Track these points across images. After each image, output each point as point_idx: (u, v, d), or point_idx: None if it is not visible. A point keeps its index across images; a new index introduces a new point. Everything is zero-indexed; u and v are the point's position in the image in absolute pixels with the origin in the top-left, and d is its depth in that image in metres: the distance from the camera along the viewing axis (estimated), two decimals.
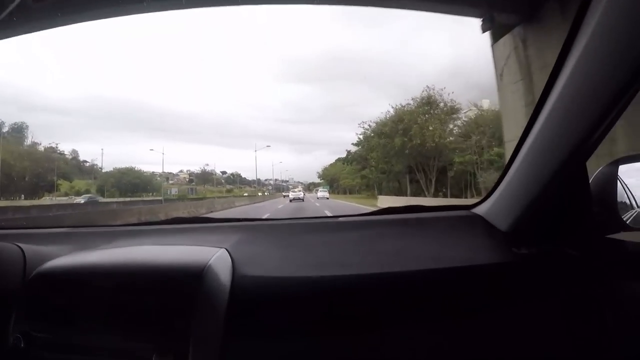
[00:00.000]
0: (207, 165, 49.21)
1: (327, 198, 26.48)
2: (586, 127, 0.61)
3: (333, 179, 49.60)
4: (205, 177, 48.32)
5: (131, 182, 37.04)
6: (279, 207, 16.75)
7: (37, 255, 0.78)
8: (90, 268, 0.72)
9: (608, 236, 0.80)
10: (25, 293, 0.69)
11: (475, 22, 4.39)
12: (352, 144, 34.58)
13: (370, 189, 35.30)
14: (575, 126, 0.62)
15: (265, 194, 50.92)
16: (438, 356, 0.68)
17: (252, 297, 0.68)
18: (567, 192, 0.75)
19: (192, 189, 51.67)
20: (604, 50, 0.55)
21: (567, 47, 0.60)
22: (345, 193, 46.04)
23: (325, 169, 53.95)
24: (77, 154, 39.19)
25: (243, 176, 55.96)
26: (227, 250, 0.77)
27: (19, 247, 0.78)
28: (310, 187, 55.27)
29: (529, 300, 0.71)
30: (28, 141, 35.88)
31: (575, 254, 0.76)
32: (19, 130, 35.97)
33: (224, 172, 51.06)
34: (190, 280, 0.65)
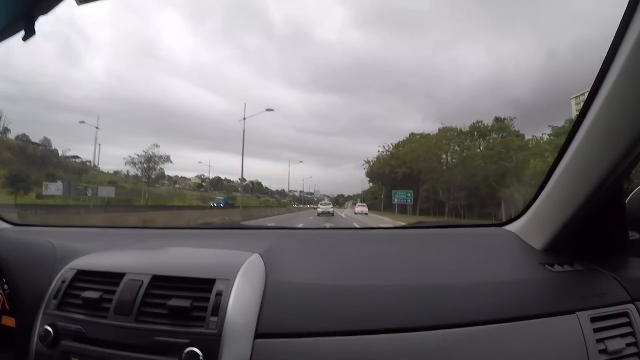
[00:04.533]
0: (157, 146, 37.62)
1: (366, 213, 22.52)
2: (623, 147, 0.62)
3: (417, 174, 21.63)
4: (216, 184, 45.77)
5: None
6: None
7: (68, 252, 0.83)
8: (122, 265, 0.73)
9: None
10: (55, 286, 0.73)
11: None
12: None
13: None
14: (613, 146, 0.64)
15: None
16: None
17: (284, 302, 0.69)
18: (603, 212, 0.79)
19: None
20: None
21: (605, 68, 0.62)
22: (451, 214, 18.36)
23: (387, 155, 26.88)
24: (49, 142, 33.32)
25: (264, 185, 54.70)
26: (260, 255, 0.79)
27: (51, 242, 0.84)
28: (338, 200, 50.90)
29: (561, 316, 0.70)
30: None
31: (609, 274, 0.78)
32: None
33: (242, 180, 46.69)
34: (224, 281, 0.67)
